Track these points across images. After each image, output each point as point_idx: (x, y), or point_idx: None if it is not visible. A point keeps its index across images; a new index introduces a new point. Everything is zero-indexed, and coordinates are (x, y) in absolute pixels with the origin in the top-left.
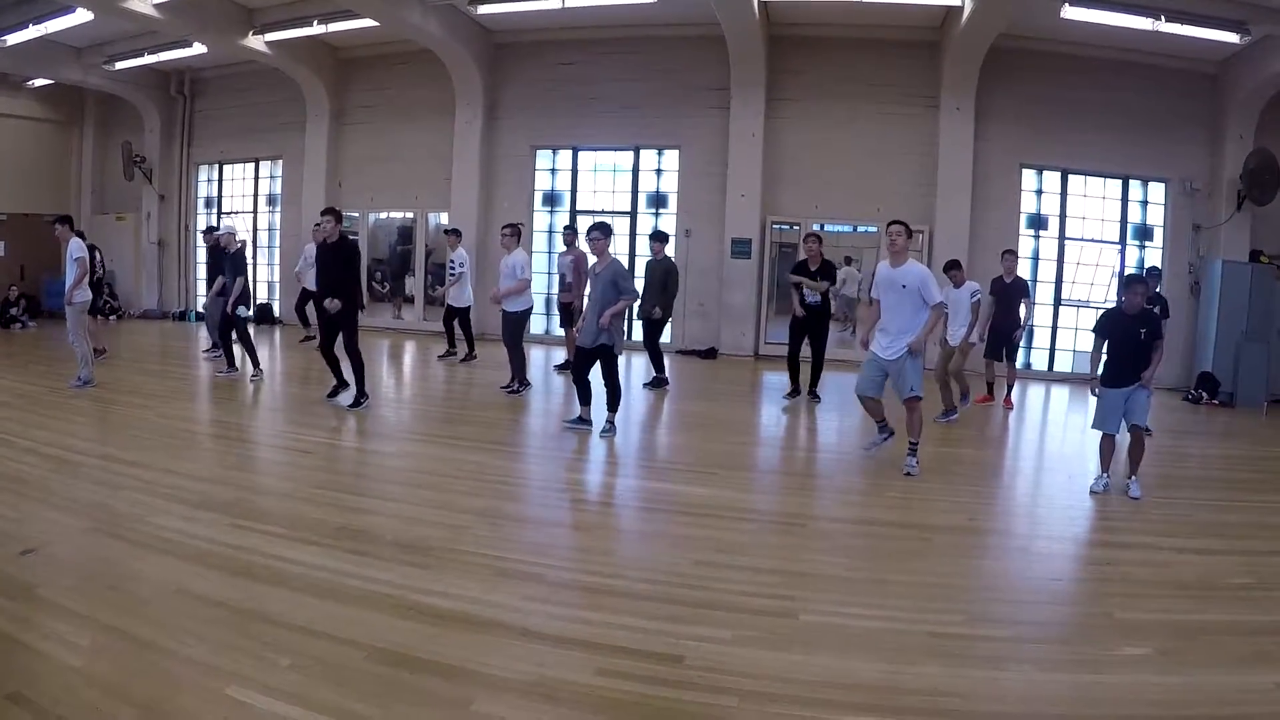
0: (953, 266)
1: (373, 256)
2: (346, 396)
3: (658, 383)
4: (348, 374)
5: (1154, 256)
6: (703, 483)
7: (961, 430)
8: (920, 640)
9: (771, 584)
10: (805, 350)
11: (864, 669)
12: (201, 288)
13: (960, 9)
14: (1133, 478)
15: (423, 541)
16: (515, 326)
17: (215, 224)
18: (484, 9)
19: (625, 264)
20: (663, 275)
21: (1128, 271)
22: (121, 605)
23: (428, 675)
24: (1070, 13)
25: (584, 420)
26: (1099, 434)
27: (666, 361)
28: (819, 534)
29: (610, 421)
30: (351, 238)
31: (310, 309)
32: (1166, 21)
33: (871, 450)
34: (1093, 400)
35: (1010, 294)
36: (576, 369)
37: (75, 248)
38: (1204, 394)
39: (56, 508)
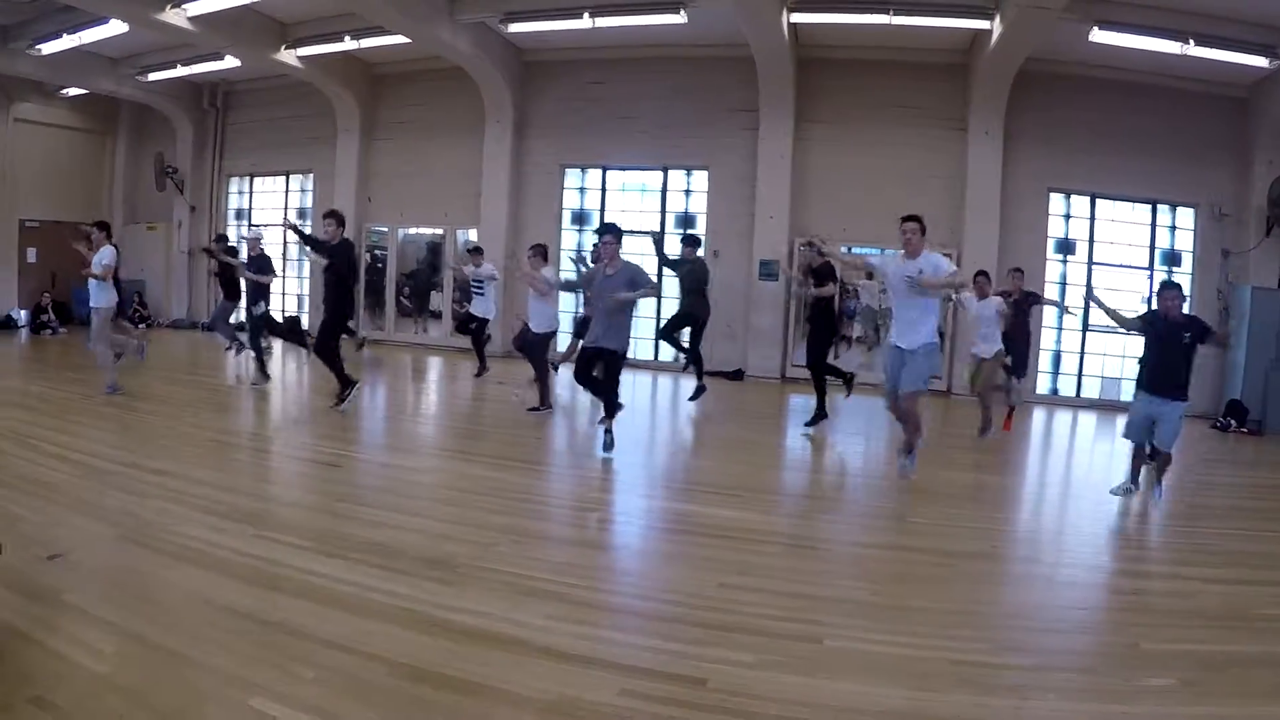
0: (979, 276)
1: (400, 272)
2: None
3: (700, 391)
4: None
5: (1182, 283)
6: (728, 505)
7: (985, 455)
8: (944, 668)
9: (796, 608)
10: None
11: (887, 696)
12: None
13: (989, 32)
14: (1159, 482)
15: (448, 558)
16: (539, 347)
17: (224, 234)
18: (515, 27)
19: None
20: (701, 275)
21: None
22: (146, 613)
23: (449, 692)
24: (1099, 36)
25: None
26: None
27: (693, 383)
28: (843, 558)
29: (609, 432)
30: (380, 252)
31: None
32: (1195, 45)
33: (910, 469)
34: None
35: (1018, 309)
36: (579, 373)
37: (106, 254)
38: (1232, 422)
39: (84, 514)
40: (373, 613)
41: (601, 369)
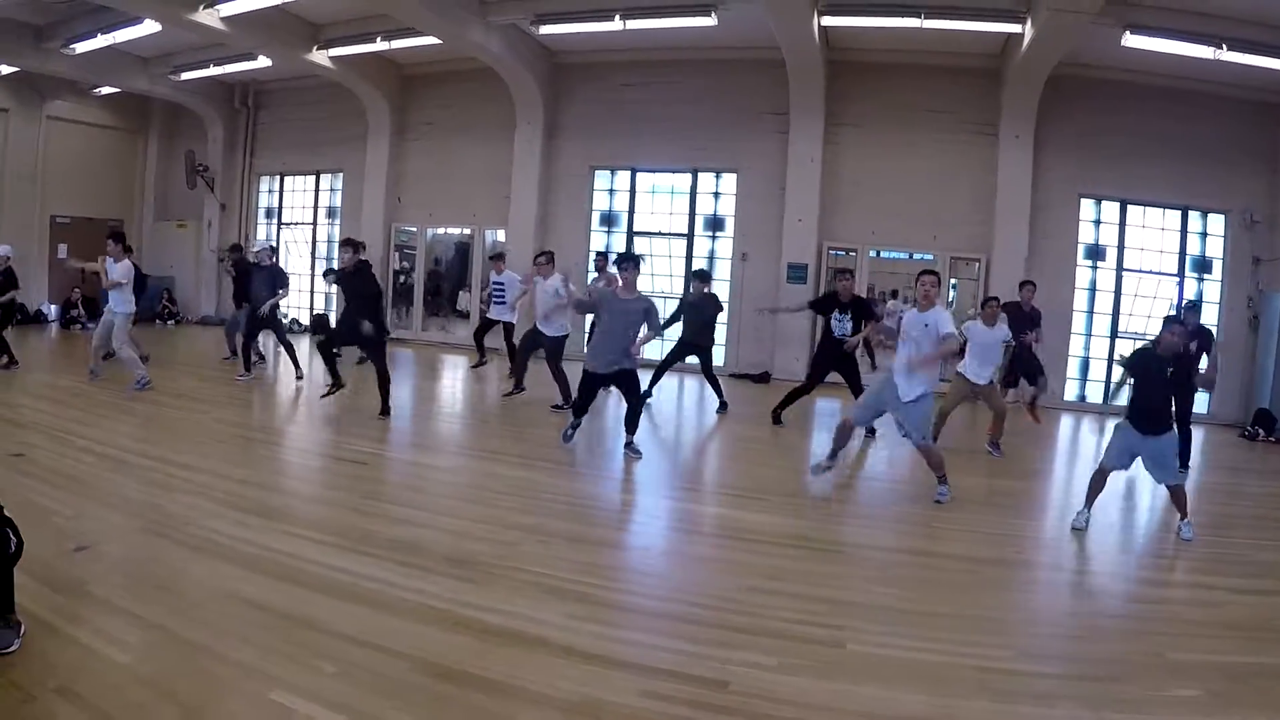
0: (989, 302)
1: (428, 270)
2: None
3: (724, 407)
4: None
5: (1213, 289)
6: (753, 508)
7: (1010, 463)
8: (968, 674)
9: (819, 612)
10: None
11: (910, 701)
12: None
13: (1020, 36)
14: (1184, 520)
15: (472, 556)
16: (553, 353)
17: (238, 244)
18: (546, 29)
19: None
20: (714, 310)
21: (1186, 301)
22: (170, 605)
23: (472, 690)
24: (1131, 41)
25: (576, 427)
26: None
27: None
28: (868, 563)
29: (632, 442)
30: (409, 251)
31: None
32: (1228, 50)
33: (819, 472)
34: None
35: (1025, 323)
36: (582, 395)
37: (122, 271)
38: (1260, 431)
39: (110, 507)
40: (396, 609)
41: (624, 388)
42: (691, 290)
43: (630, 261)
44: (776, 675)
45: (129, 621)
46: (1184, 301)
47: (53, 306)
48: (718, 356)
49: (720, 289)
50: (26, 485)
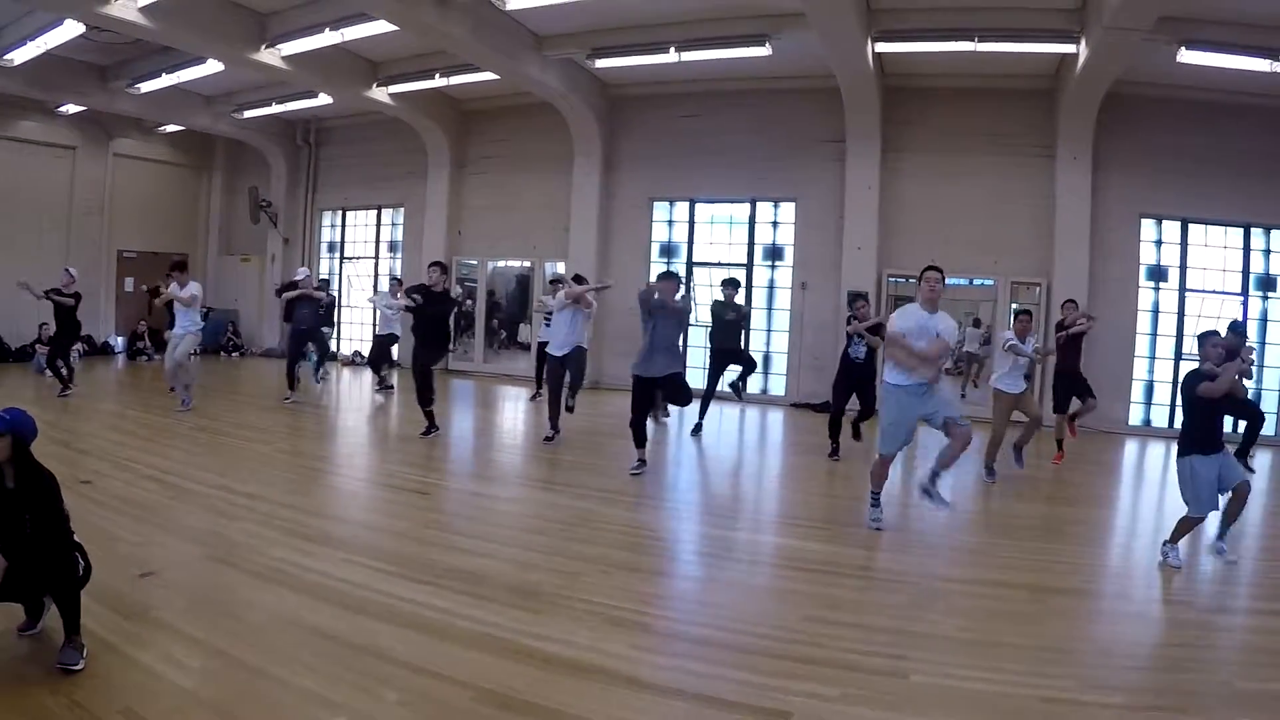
0: (1022, 315)
1: (490, 303)
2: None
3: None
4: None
5: (1277, 308)
6: (814, 537)
7: (1074, 489)
8: (1032, 705)
9: (882, 642)
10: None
11: None
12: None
13: (1074, 57)
14: (1223, 536)
15: (534, 586)
16: (555, 373)
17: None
18: (602, 63)
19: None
20: (739, 317)
21: (1249, 323)
22: (234, 631)
23: (532, 719)
24: (1186, 57)
25: (643, 462)
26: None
27: (780, 415)
28: (930, 593)
29: (699, 424)
30: (470, 284)
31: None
32: None
33: (878, 523)
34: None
35: (1069, 342)
36: (637, 410)
37: (194, 286)
38: None
39: (175, 534)
40: (458, 638)
41: (672, 390)
42: (723, 298)
43: (671, 278)
44: (839, 706)
45: (193, 646)
46: (1232, 321)
47: (120, 338)
48: (777, 385)
49: (780, 318)
50: (94, 512)
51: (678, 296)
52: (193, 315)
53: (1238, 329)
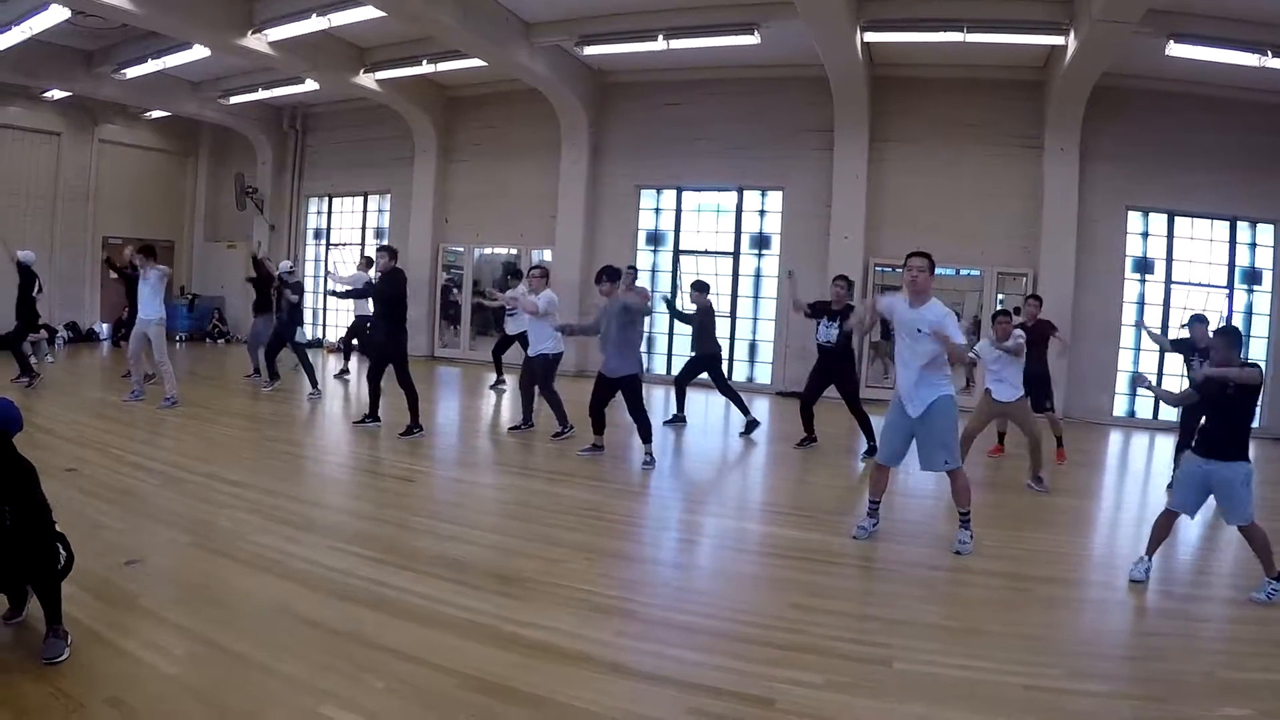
0: (1000, 316)
1: (476, 291)
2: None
3: (750, 427)
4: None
5: (1263, 301)
6: (799, 525)
7: (1060, 480)
8: (1016, 693)
9: (866, 630)
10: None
11: None
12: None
13: (1063, 49)
14: (1270, 580)
15: (519, 573)
16: (549, 370)
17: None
18: (590, 50)
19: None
20: (712, 320)
21: (1235, 317)
22: (220, 619)
23: (518, 705)
24: (1175, 50)
25: (598, 447)
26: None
27: (765, 403)
28: (915, 581)
29: (649, 453)
30: (456, 271)
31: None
32: (1273, 57)
33: (862, 535)
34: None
35: (1034, 339)
36: (595, 401)
37: (155, 276)
38: None
39: (161, 522)
40: (443, 625)
41: (629, 403)
42: (692, 301)
43: (612, 275)
44: (823, 693)
45: (178, 634)
46: (1195, 314)
47: (104, 325)
48: (763, 374)
49: (766, 307)
50: (79, 500)
51: (618, 292)
52: (157, 300)
53: (1199, 319)
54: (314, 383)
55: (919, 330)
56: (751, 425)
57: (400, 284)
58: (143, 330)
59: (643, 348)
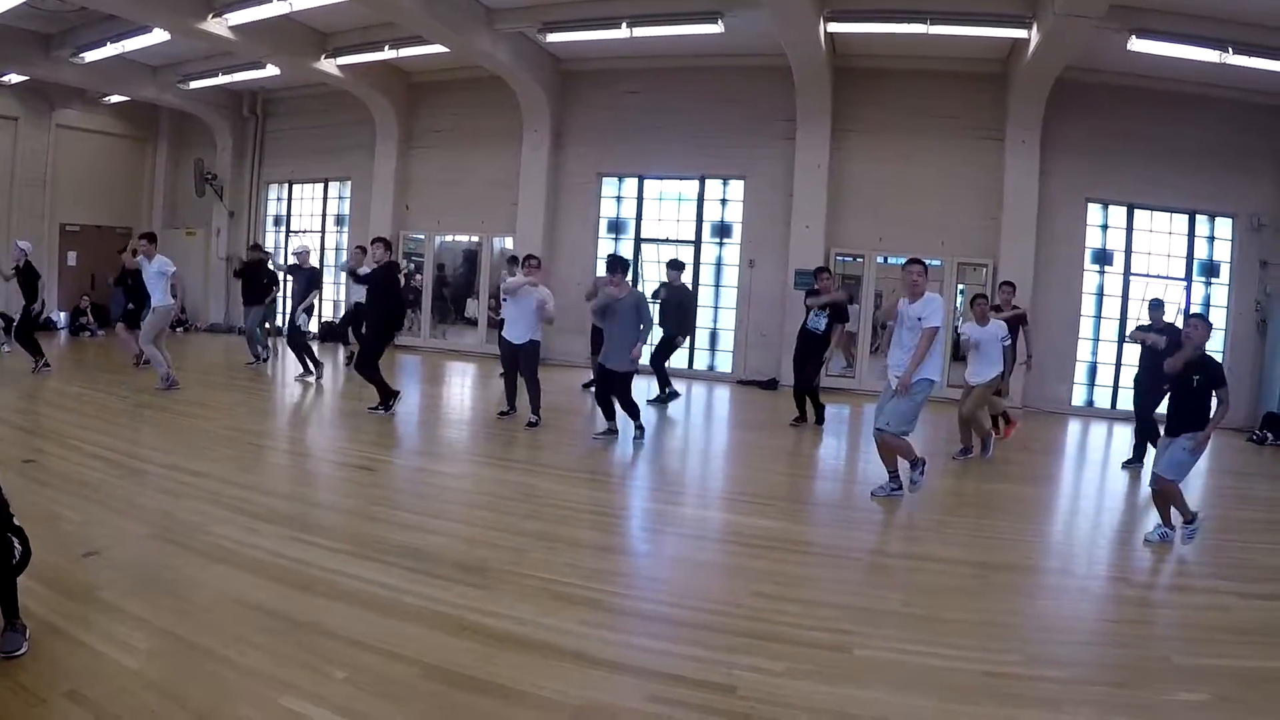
0: (978, 299)
1: (437, 278)
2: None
3: (669, 396)
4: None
5: (1220, 293)
6: (760, 514)
7: (1018, 468)
8: (976, 679)
9: (827, 618)
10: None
11: (918, 706)
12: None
13: (1026, 42)
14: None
15: (480, 562)
16: (533, 356)
17: (261, 242)
18: (553, 37)
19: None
20: (679, 301)
21: (1193, 309)
22: (180, 611)
23: (480, 695)
24: (1137, 45)
25: (613, 430)
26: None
27: (727, 392)
28: (876, 568)
29: (639, 428)
30: (417, 259)
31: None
32: (1234, 54)
33: (914, 489)
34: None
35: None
36: (600, 391)
37: (161, 263)
38: (1269, 435)
39: (120, 513)
40: (405, 615)
41: (618, 388)
42: (667, 280)
43: (620, 266)
44: (783, 680)
45: (138, 626)
46: (1152, 299)
47: (62, 314)
48: (724, 362)
49: (727, 295)
50: (37, 491)
51: (619, 294)
52: (166, 289)
53: (1156, 304)
54: (309, 369)
55: (919, 319)
56: (670, 397)
57: (395, 275)
58: (159, 318)
59: None
